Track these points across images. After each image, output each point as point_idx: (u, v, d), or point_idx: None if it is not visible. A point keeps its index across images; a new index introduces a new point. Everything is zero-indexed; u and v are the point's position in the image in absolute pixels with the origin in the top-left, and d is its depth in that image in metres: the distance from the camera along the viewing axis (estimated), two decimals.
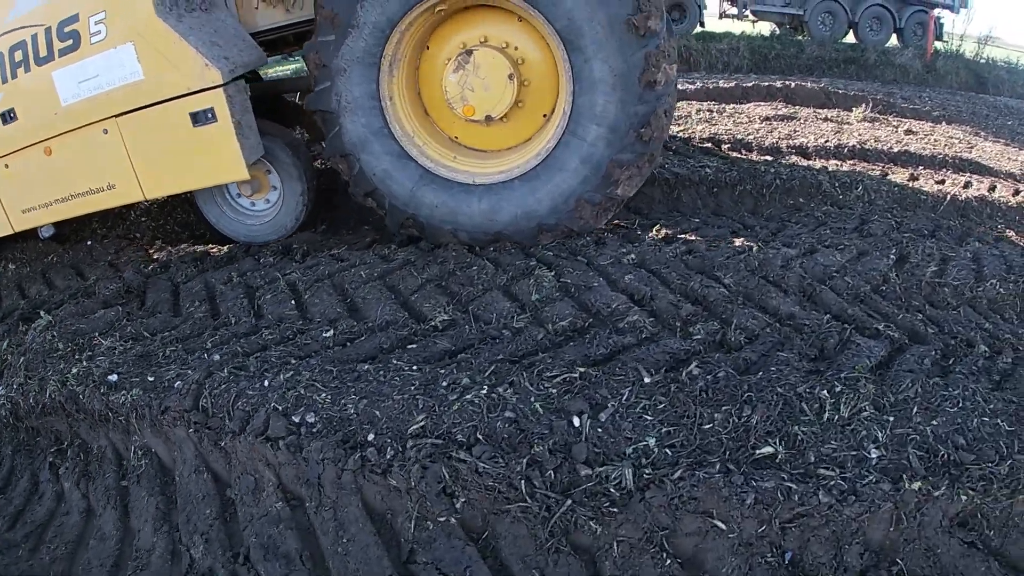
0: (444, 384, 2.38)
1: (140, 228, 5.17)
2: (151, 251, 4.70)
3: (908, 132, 6.94)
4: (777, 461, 2.02)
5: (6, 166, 4.38)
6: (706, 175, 4.85)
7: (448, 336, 2.92)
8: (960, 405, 2.22)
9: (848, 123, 7.10)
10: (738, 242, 3.73)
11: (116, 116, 3.96)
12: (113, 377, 3.01)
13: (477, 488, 1.98)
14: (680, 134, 6.19)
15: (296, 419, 2.40)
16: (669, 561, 1.87)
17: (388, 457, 2.14)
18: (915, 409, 2.21)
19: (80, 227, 5.25)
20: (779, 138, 6.07)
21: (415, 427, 2.20)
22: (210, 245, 4.74)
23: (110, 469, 2.87)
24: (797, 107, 7.90)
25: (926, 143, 6.47)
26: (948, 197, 4.80)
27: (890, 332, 2.85)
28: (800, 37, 14.73)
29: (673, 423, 2.17)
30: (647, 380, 2.35)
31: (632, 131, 3.46)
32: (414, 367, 2.59)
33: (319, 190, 4.65)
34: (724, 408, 2.23)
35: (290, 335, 3.19)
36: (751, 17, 15.64)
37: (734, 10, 15.89)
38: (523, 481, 1.95)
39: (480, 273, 3.45)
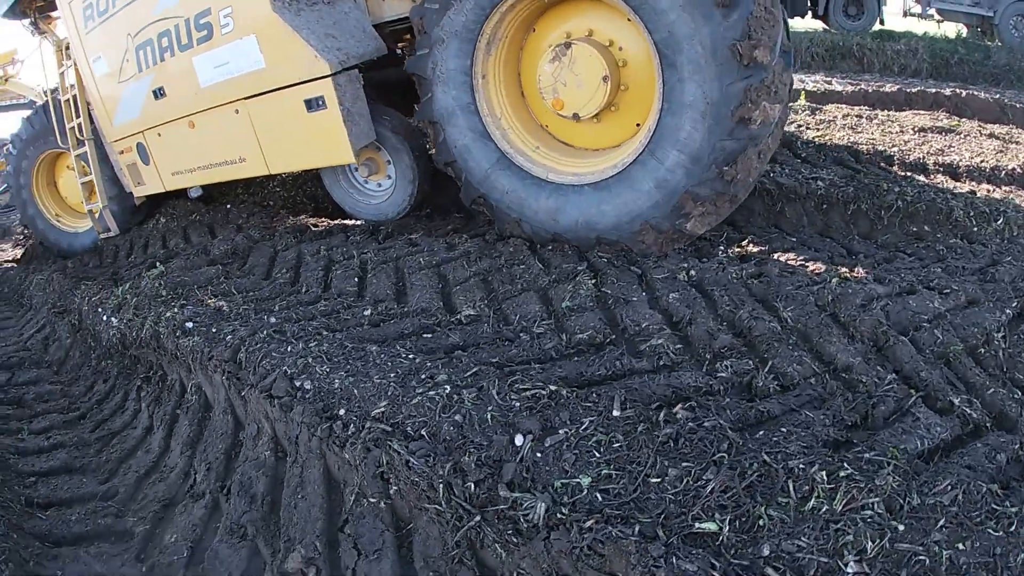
0: (421, 376, 2.48)
1: (273, 197, 5.83)
2: (274, 220, 5.27)
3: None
4: (718, 542, 1.71)
5: (159, 135, 5.18)
6: (815, 189, 4.32)
7: (463, 331, 3.01)
8: (1010, 532, 1.64)
9: (1019, 142, 6.07)
10: (818, 268, 3.37)
11: (244, 99, 4.52)
12: (189, 324, 3.48)
13: (407, 480, 2.06)
14: (816, 139, 5.61)
15: (297, 384, 2.64)
16: None
17: (349, 432, 2.29)
18: (940, 522, 1.68)
19: (227, 191, 6.04)
20: (928, 152, 5.36)
21: (377, 411, 2.32)
22: (321, 218, 5.21)
23: (173, 399, 3.34)
24: (963, 120, 6.85)
25: None
26: None
27: (967, 410, 2.30)
28: (989, 42, 12.78)
29: (619, 467, 1.94)
30: (616, 413, 2.20)
31: (715, 166, 3.22)
32: (411, 355, 2.72)
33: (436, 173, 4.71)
34: (685, 464, 1.94)
35: (339, 309, 3.47)
36: (936, 16, 13.76)
37: (918, 8, 14.17)
38: (443, 485, 1.98)
39: (526, 272, 3.48)
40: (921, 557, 1.60)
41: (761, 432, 2.19)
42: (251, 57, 4.33)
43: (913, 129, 6.21)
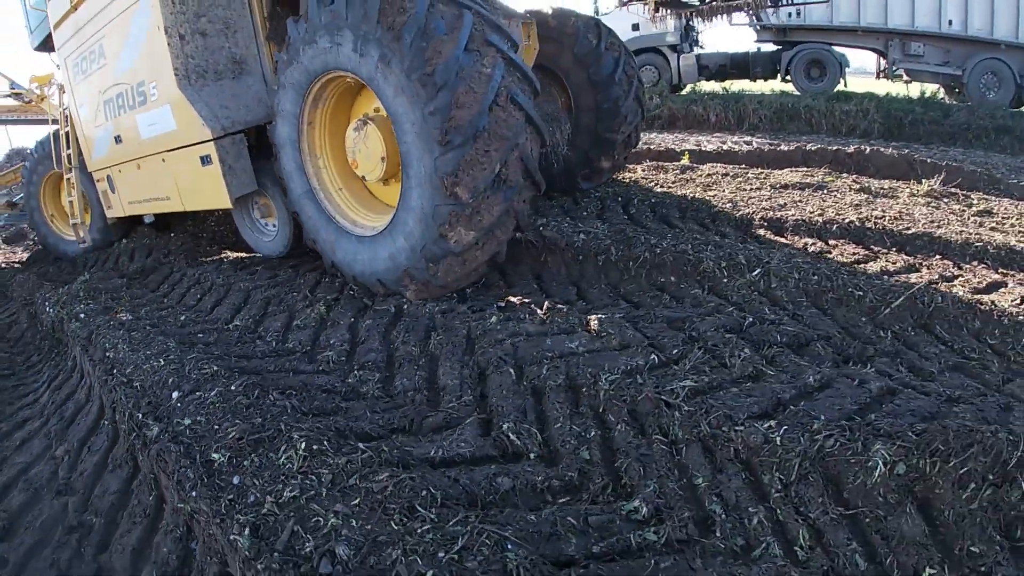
0: (187, 362, 3.78)
1: (207, 230, 7.38)
2: (197, 247, 6.82)
3: (983, 213, 6.22)
4: None
5: (120, 171, 6.83)
6: (574, 241, 4.93)
7: (228, 333, 4.39)
8: None
9: (895, 197, 6.69)
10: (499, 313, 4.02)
11: (166, 151, 6.07)
12: (82, 315, 5.00)
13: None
14: (659, 196, 6.54)
15: (109, 355, 4.06)
16: None
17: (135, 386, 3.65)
18: None
19: (179, 221, 7.65)
20: (762, 208, 5.99)
21: (151, 378, 3.68)
22: (231, 251, 6.71)
23: (66, 366, 4.82)
24: (842, 175, 7.52)
25: (978, 228, 5.60)
26: (921, 296, 4.10)
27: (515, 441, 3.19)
28: (957, 101, 13.10)
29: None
30: (237, 389, 3.51)
31: (424, 260, 4.18)
32: (188, 348, 4.09)
33: None
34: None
35: (175, 315, 4.90)
36: (904, 77, 14.24)
37: (896, 69, 14.46)
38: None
39: (288, 295, 4.85)
40: None
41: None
42: (168, 121, 5.87)
43: (774, 186, 7.01)
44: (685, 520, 2.36)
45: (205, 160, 5.68)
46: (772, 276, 4.32)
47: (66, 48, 6.98)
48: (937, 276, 4.63)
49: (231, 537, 2.44)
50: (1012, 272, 4.76)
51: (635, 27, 15.28)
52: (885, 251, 5.19)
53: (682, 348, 3.30)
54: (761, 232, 5.67)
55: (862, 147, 8.72)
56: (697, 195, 6.59)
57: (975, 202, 6.67)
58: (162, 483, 3.09)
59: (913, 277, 4.57)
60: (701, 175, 7.50)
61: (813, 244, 5.33)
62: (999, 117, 11.40)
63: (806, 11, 13.29)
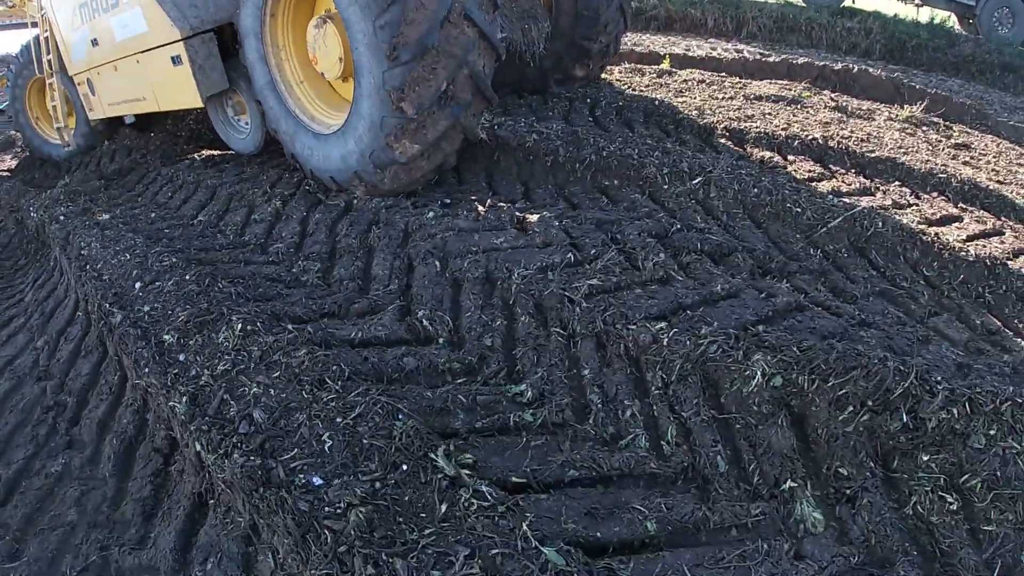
0: (152, 254, 4.08)
1: (186, 129, 7.55)
2: (175, 146, 7.01)
3: (960, 146, 6.14)
4: None
5: (98, 74, 6.94)
6: (525, 141, 4.96)
7: (192, 228, 4.68)
8: None
9: (871, 119, 6.48)
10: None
11: (140, 52, 6.16)
12: (61, 217, 5.29)
13: None
14: (644, 94, 6.57)
15: (84, 253, 4.37)
16: None
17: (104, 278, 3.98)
18: None
19: (159, 120, 7.79)
20: (727, 119, 5.88)
21: (117, 271, 3.99)
22: (207, 149, 6.90)
23: (48, 266, 5.17)
24: (823, 92, 7.36)
25: (949, 160, 5.53)
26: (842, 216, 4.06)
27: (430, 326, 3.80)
28: (968, 33, 12.56)
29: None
30: (189, 280, 3.84)
31: (372, 165, 4.41)
32: (151, 242, 4.39)
33: None
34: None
35: (147, 213, 5.19)
36: (917, 1, 13.55)
37: None
38: None
39: (251, 190, 5.13)
40: None
41: None
42: (139, 22, 5.94)
43: (748, 96, 6.85)
44: (563, 406, 2.64)
45: (176, 60, 5.77)
46: (712, 185, 4.36)
47: None
48: (890, 202, 4.57)
49: (171, 404, 2.79)
50: (971, 208, 4.73)
51: None
52: (843, 172, 5.11)
53: (600, 249, 3.50)
54: (722, 141, 5.60)
55: (849, 65, 8.52)
56: (667, 100, 6.46)
57: (956, 134, 6.49)
58: (124, 363, 3.45)
59: (864, 200, 4.49)
60: (677, 80, 7.41)
61: (771, 157, 5.24)
62: (1007, 54, 10.89)
63: None
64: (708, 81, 7.49)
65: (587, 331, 2.91)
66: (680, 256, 3.55)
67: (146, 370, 3.13)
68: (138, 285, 3.81)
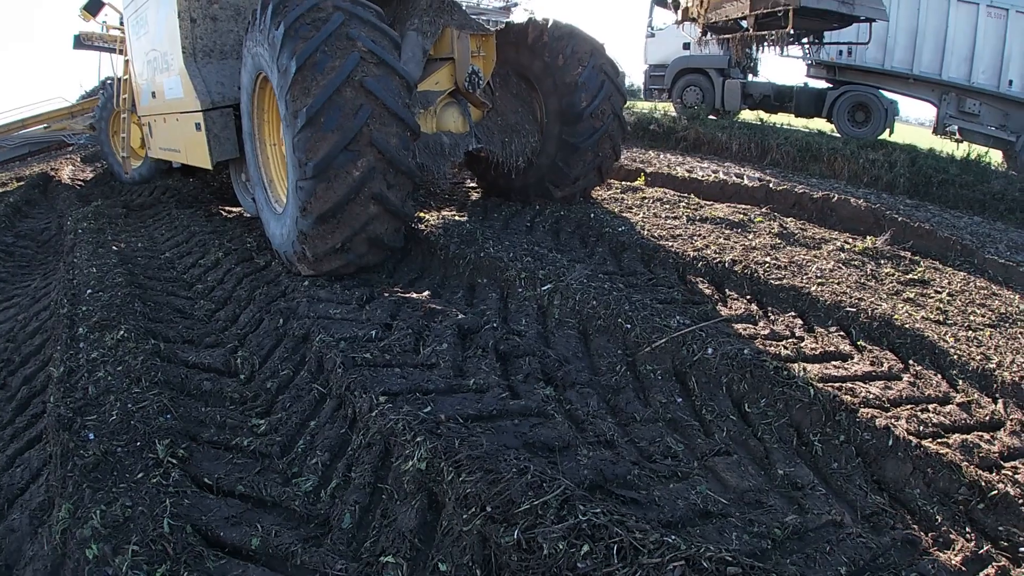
0: (108, 279, 5.42)
1: (216, 180, 9.16)
2: (200, 194, 8.58)
3: (914, 281, 5.80)
4: None
5: (154, 120, 8.67)
6: (438, 239, 5.96)
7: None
8: None
9: (816, 248, 6.44)
10: None
11: (178, 112, 7.76)
12: (80, 231, 6.81)
13: None
14: (593, 208, 7.38)
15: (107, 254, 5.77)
16: None
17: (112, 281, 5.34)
18: None
19: (203, 171, 9.46)
20: (655, 235, 6.40)
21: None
22: (217, 204, 8.40)
23: (68, 260, 6.67)
24: (782, 218, 7.51)
25: (882, 295, 5.31)
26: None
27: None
28: (1014, 171, 12.38)
29: None
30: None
31: (292, 251, 5.18)
32: (122, 279, 5.74)
33: None
34: None
35: (147, 256, 6.59)
36: (956, 136, 13.50)
37: (953, 126, 13.68)
38: None
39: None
40: None
41: None
42: (178, 88, 7.54)
43: (695, 218, 7.28)
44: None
45: (197, 126, 6.96)
46: (559, 294, 4.75)
47: (128, 8, 8.83)
48: (767, 332, 4.47)
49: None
50: (873, 348, 4.45)
51: (686, 46, 15.71)
52: (736, 297, 5.18)
53: (404, 331, 4.16)
54: (629, 257, 6.03)
55: (829, 194, 8.59)
56: (610, 215, 7.18)
57: (919, 270, 6.11)
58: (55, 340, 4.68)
59: (742, 327, 4.47)
60: (637, 197, 8.24)
61: (667, 276, 5.54)
62: None
63: (857, 51, 13.15)
64: (668, 200, 8.20)
65: (338, 392, 3.56)
66: (467, 349, 4.03)
67: (58, 347, 4.29)
68: (88, 292, 5.10)
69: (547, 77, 7.24)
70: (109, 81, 11.04)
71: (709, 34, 11.32)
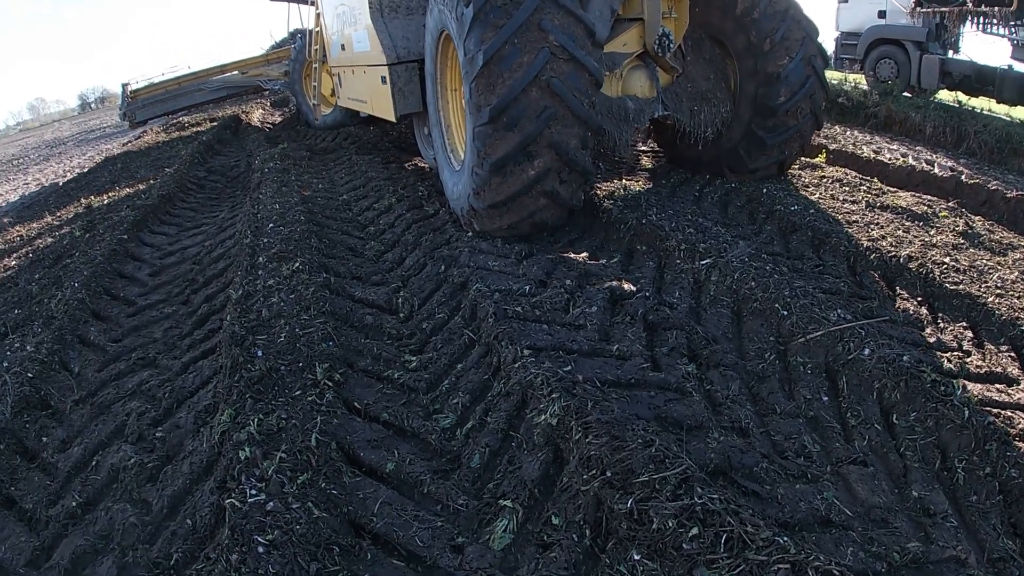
0: (289, 216, 6.00)
1: (396, 129, 9.68)
2: (380, 141, 9.13)
3: (995, 263, 5.14)
4: None
5: (343, 72, 9.28)
6: (602, 202, 6.02)
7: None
8: None
9: (1003, 254, 5.54)
10: None
11: (366, 65, 8.23)
12: (266, 169, 7.54)
13: None
14: (763, 185, 6.71)
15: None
16: None
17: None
18: None
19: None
20: (829, 220, 5.94)
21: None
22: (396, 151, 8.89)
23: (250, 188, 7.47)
24: (970, 217, 6.50)
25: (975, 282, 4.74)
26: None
27: None
28: None
29: None
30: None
31: (469, 207, 5.16)
32: (303, 216, 6.30)
33: None
34: None
35: (322, 180, 7.19)
36: None
37: None
38: None
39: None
40: None
41: None
42: (366, 42, 7.96)
43: (874, 205, 6.55)
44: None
45: (383, 80, 7.09)
46: (717, 270, 4.56)
47: None
48: (933, 340, 4.07)
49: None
50: None
51: (881, 14, 14.17)
52: (906, 297, 4.68)
53: (556, 288, 4.26)
54: (797, 239, 5.60)
55: (957, 165, 7.64)
56: (783, 192, 6.64)
57: (1002, 248, 5.46)
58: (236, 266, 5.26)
59: (903, 331, 4.08)
60: (816, 175, 7.53)
61: (835, 266, 5.09)
62: None
63: None
64: (848, 182, 7.41)
65: (487, 340, 3.77)
66: (616, 315, 4.02)
67: (239, 272, 4.87)
68: (270, 226, 5.69)
69: (748, 57, 6.55)
70: (299, 33, 11.91)
71: (924, 4, 10.16)
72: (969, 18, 9.30)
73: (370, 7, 7.11)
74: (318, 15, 10.14)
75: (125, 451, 3.15)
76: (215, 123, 13.22)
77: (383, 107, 7.31)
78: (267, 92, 16.20)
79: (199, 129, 12.71)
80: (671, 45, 6.25)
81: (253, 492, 2.52)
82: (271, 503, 2.47)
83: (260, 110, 15.26)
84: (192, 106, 16.39)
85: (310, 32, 10.60)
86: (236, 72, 16.00)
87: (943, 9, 9.57)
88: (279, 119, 12.88)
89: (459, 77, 5.75)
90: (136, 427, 3.35)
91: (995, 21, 9.13)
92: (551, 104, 4.54)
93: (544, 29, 4.53)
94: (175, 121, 14.50)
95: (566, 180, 4.88)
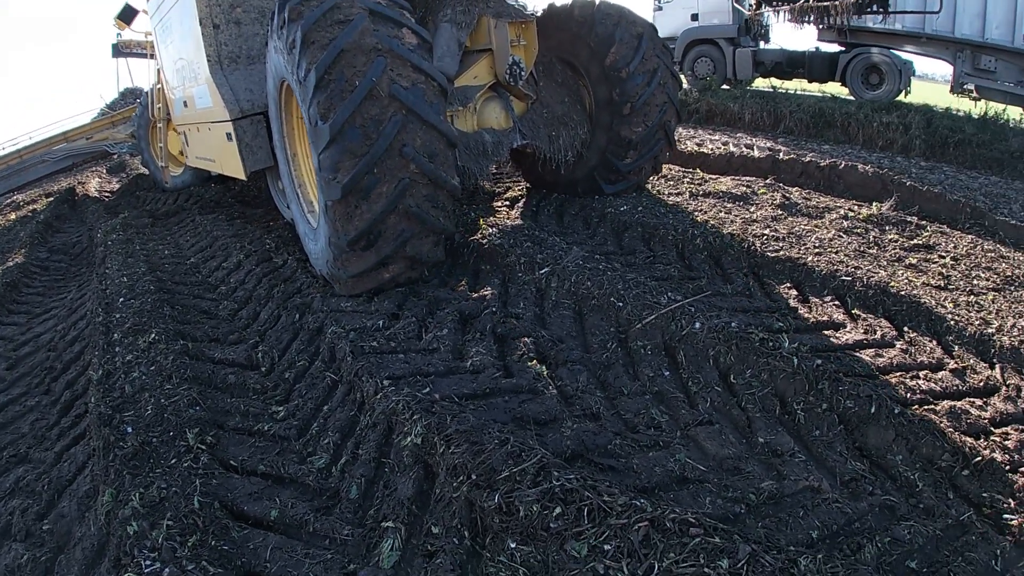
0: (138, 287, 5.76)
1: (239, 186, 9.45)
2: (223, 199, 8.89)
3: (918, 247, 5.69)
4: None
5: (188, 130, 8.93)
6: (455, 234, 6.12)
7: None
8: None
9: (819, 217, 6.31)
10: None
11: (209, 122, 7.94)
12: (110, 242, 7.16)
13: None
14: None
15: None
16: None
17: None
18: None
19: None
20: (656, 212, 6.33)
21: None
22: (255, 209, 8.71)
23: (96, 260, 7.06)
24: (785, 189, 7.37)
25: (882, 263, 5.21)
26: None
27: None
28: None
29: None
30: None
31: (328, 272, 4.90)
32: (152, 286, 6.05)
33: None
34: None
35: (167, 250, 6.92)
36: (974, 93, 12.78)
37: (970, 84, 12.80)
38: None
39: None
40: None
41: None
42: (207, 98, 7.65)
43: (698, 194, 7.17)
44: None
45: (228, 136, 6.53)
46: (555, 276, 4.84)
47: (155, 17, 8.78)
48: (762, 305, 4.50)
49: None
50: (868, 316, 4.41)
51: (694, 17, 15.51)
52: (733, 271, 5.21)
53: (409, 320, 4.36)
54: (629, 236, 6.00)
55: (836, 161, 8.36)
56: (612, 197, 6.93)
57: (924, 234, 6.05)
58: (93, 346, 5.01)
59: (731, 301, 4.46)
60: (670, 175, 8.13)
61: (664, 254, 5.53)
62: None
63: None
64: (672, 176, 8.15)
65: (348, 378, 3.79)
66: (467, 333, 4.19)
67: (96, 352, 4.64)
68: (120, 300, 5.51)
69: (595, 64, 6.59)
70: (131, 92, 11.38)
71: (764, 6, 10.89)
72: (813, 14, 10.16)
73: (208, 60, 6.55)
74: (159, 70, 9.66)
75: (16, 550, 3.05)
76: (51, 198, 12.52)
77: (232, 165, 6.85)
78: (114, 156, 15.33)
79: (35, 207, 11.91)
80: (522, 73, 6.23)
81: (148, 563, 2.53)
82: (167, 569, 2.50)
83: (96, 178, 14.55)
84: (36, 180, 15.25)
85: (151, 89, 10.13)
86: (81, 138, 14.99)
87: (783, 8, 10.46)
88: (117, 185, 12.23)
89: (307, 142, 5.27)
90: (22, 524, 3.24)
91: (840, 14, 10.03)
92: (396, 112, 4.23)
93: (376, 39, 4.20)
94: (9, 201, 13.46)
95: (426, 241, 4.70)
